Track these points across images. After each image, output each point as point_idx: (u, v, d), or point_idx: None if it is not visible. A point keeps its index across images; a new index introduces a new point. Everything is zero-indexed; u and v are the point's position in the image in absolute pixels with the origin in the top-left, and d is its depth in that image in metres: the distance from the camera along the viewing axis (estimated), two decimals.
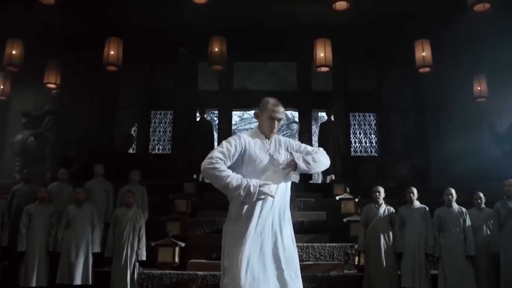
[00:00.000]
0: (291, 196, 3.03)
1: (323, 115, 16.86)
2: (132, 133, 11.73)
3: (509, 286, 5.91)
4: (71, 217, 6.58)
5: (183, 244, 6.94)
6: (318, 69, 8.85)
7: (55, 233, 6.58)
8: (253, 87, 12.69)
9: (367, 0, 9.47)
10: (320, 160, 3.01)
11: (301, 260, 6.67)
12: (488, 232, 6.28)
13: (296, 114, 16.03)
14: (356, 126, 11.71)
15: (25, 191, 7.32)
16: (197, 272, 6.38)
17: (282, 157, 2.97)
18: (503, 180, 6.45)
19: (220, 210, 8.17)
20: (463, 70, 10.11)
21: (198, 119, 10.91)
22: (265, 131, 2.96)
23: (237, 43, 9.60)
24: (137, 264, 6.40)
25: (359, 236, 6.47)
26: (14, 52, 8.49)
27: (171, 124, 11.59)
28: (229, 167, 2.82)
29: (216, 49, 8.76)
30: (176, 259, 6.74)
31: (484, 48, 9.90)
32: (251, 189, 2.75)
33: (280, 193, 2.96)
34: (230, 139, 2.86)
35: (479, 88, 9.97)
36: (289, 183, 3.04)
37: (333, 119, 10.48)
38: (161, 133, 11.67)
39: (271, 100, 2.96)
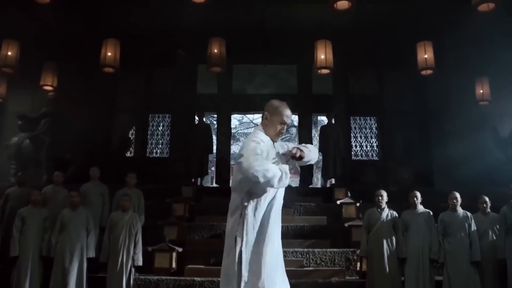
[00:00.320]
0: (290, 200, 2.88)
1: (322, 119, 16.74)
2: (130, 136, 11.58)
3: None
4: (66, 221, 6.40)
5: (180, 249, 6.78)
6: (319, 71, 8.72)
7: (48, 237, 6.40)
8: (253, 91, 12.55)
9: (368, 2, 9.35)
10: (308, 147, 2.93)
11: (301, 266, 6.62)
12: (494, 237, 6.13)
13: (294, 118, 15.88)
14: (356, 130, 11.58)
15: (19, 194, 7.18)
16: (195, 278, 6.25)
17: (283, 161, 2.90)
18: (508, 184, 6.32)
19: (218, 214, 8.03)
20: (466, 73, 9.98)
21: (196, 122, 10.75)
22: (271, 134, 2.87)
23: (236, 45, 9.52)
24: (133, 269, 6.25)
25: (361, 241, 6.33)
26: (9, 53, 8.39)
27: (169, 127, 11.45)
28: None
29: (215, 51, 8.64)
30: (173, 265, 6.59)
31: (486, 51, 9.79)
32: (286, 175, 2.70)
33: (281, 195, 2.87)
34: (255, 143, 2.73)
35: (481, 91, 9.87)
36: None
37: (333, 122, 10.31)
38: (159, 137, 11.54)
39: (284, 104, 2.90)
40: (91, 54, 9.01)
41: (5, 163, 10.19)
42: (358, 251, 6.55)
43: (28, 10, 9.07)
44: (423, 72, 8.72)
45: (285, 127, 2.90)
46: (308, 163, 2.97)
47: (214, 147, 11.09)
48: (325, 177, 10.18)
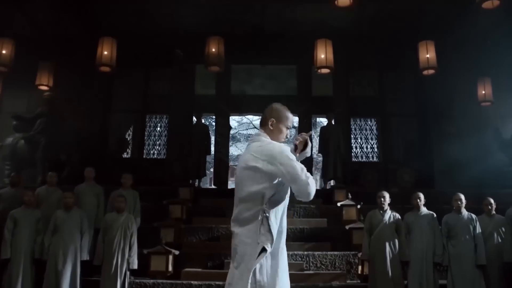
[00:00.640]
0: (290, 202, 2.73)
1: (321, 120, 16.62)
2: (127, 137, 11.43)
3: None
4: (59, 222, 6.23)
5: (177, 252, 6.61)
6: (319, 70, 8.59)
7: (41, 239, 6.24)
8: (252, 92, 12.44)
9: (368, 2, 9.24)
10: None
11: (301, 269, 6.44)
12: (500, 240, 5.98)
13: (294, 119, 15.75)
14: (357, 131, 11.45)
15: (12, 195, 6.99)
16: (192, 282, 6.09)
17: None
18: (511, 186, 6.15)
19: (216, 216, 7.93)
20: (467, 74, 9.90)
21: (194, 122, 10.62)
22: (277, 140, 2.72)
23: (235, 45, 9.43)
24: (128, 273, 6.09)
25: (363, 244, 6.16)
26: (4, 51, 8.23)
27: (167, 128, 11.30)
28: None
29: (213, 50, 8.50)
30: (170, 268, 6.42)
31: (488, 51, 9.70)
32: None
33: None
34: (286, 150, 2.59)
35: (483, 92, 9.78)
36: None
37: (333, 123, 10.16)
38: (156, 138, 11.39)
39: (286, 108, 2.79)
40: (88, 53, 8.87)
41: None
42: (359, 254, 6.38)
43: (23, 9, 8.96)
44: (425, 72, 8.59)
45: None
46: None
47: (212, 148, 10.93)
48: (325, 178, 10.02)
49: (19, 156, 9.86)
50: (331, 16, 9.60)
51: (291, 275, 2.68)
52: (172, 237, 7.07)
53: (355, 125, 11.54)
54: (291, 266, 6.20)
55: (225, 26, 9.68)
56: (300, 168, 2.47)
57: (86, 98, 10.36)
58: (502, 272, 5.89)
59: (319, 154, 10.94)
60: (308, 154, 2.76)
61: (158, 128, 11.52)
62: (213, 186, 11.05)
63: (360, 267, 6.40)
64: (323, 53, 8.41)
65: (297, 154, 2.68)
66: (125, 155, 11.26)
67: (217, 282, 5.98)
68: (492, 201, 6.16)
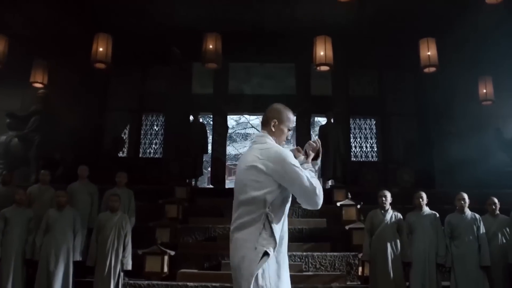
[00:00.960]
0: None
1: (319, 120, 16.48)
2: (123, 136, 11.27)
3: None
4: (51, 222, 6.06)
5: (172, 253, 6.45)
6: (318, 68, 8.44)
7: (33, 239, 6.07)
8: (250, 91, 12.29)
9: (368, 1, 9.12)
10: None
11: (300, 270, 6.28)
12: (504, 241, 5.83)
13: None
14: (356, 131, 11.32)
15: (3, 193, 6.83)
16: (188, 283, 5.93)
17: None
18: None
19: (213, 216, 7.78)
20: (468, 72, 9.80)
21: (191, 121, 10.47)
22: (279, 140, 2.66)
23: (233, 43, 9.28)
24: (121, 274, 5.94)
25: (363, 245, 6.01)
26: None
27: (163, 127, 11.14)
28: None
29: (211, 46, 8.34)
30: (165, 269, 6.26)
31: (489, 51, 9.60)
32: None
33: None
34: (291, 158, 2.50)
35: (484, 91, 9.70)
36: None
37: (332, 122, 10.01)
38: (153, 136, 11.23)
39: (288, 109, 2.73)
40: (84, 51, 8.69)
41: None
42: (359, 255, 6.24)
43: (18, 6, 8.80)
44: (426, 70, 8.46)
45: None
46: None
47: (210, 147, 10.76)
48: (324, 178, 9.86)
49: (12, 154, 9.71)
50: (331, 14, 9.50)
51: (289, 277, 2.57)
52: (167, 237, 6.92)
53: (354, 124, 11.42)
54: (289, 267, 6.04)
55: (223, 23, 9.52)
56: (306, 176, 2.41)
57: (82, 96, 10.20)
58: (506, 274, 5.73)
59: None
60: (319, 164, 2.68)
61: (155, 127, 11.35)
62: (210, 186, 10.86)
63: (360, 268, 6.26)
64: (323, 50, 8.25)
65: (309, 162, 2.59)
66: (121, 154, 11.11)
67: (214, 284, 5.82)
68: (496, 200, 6.01)
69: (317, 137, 2.68)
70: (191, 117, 10.60)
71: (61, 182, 7.53)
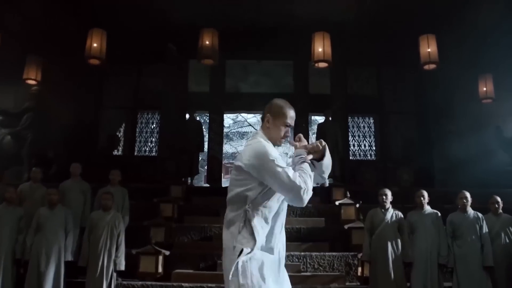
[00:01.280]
0: None
1: (316, 118, 16.34)
2: (118, 134, 11.10)
3: None
4: (42, 220, 5.90)
5: (167, 252, 6.30)
6: (316, 64, 8.30)
7: (23, 238, 5.90)
8: (247, 89, 12.15)
9: None
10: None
11: (298, 271, 6.12)
12: (507, 240, 5.70)
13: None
14: (355, 129, 11.18)
15: None
16: (183, 284, 5.78)
17: None
18: None
19: (209, 215, 7.62)
20: (468, 70, 9.69)
21: (187, 118, 10.32)
22: (274, 138, 2.52)
23: (230, 39, 9.16)
24: (114, 274, 5.78)
25: (363, 244, 5.87)
26: None
27: (159, 125, 10.97)
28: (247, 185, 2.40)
29: (207, 42, 8.19)
30: (160, 269, 6.12)
31: (489, 49, 9.49)
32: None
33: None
34: (270, 154, 2.38)
35: (485, 89, 9.61)
36: None
37: (331, 120, 9.86)
38: (148, 134, 11.06)
39: (287, 104, 2.55)
40: (78, 47, 8.53)
41: None
42: (359, 255, 6.10)
43: (11, 1, 8.63)
44: (426, 67, 8.33)
45: (289, 129, 2.56)
46: (324, 175, 2.51)
47: (206, 145, 10.61)
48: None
49: (5, 152, 9.58)
50: (329, 10, 9.35)
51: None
52: (162, 237, 6.77)
53: (352, 122, 11.28)
54: (287, 267, 5.84)
55: (221, 20, 9.37)
56: (285, 172, 2.28)
57: (76, 93, 10.04)
58: (510, 274, 5.61)
59: None
60: (325, 164, 2.45)
61: (151, 125, 11.19)
62: (206, 184, 10.71)
63: (360, 269, 6.12)
64: (321, 47, 8.11)
65: (302, 154, 2.43)
66: (116, 152, 10.94)
67: (209, 284, 5.68)
68: (498, 199, 5.88)
69: (321, 139, 2.46)
70: (187, 115, 10.44)
71: (55, 180, 7.37)
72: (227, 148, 18.79)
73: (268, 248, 2.38)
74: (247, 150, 2.43)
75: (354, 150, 11.05)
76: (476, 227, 5.61)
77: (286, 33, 10.07)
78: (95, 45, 8.12)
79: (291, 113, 2.52)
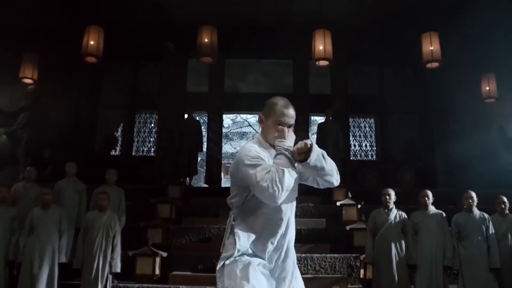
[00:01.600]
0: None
1: (315, 119, 16.22)
2: (116, 134, 10.95)
3: None
4: (36, 221, 5.74)
5: (165, 254, 6.17)
6: (317, 62, 8.14)
7: (16, 240, 5.75)
8: (246, 89, 12.01)
9: None
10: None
11: None
12: None
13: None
14: (355, 129, 11.05)
15: None
16: (180, 286, 5.70)
17: None
18: None
19: (208, 216, 7.48)
20: (471, 69, 9.57)
21: (186, 118, 10.19)
22: (270, 139, 2.36)
23: (229, 38, 9.05)
24: (110, 276, 5.63)
25: (366, 246, 5.72)
26: None
27: (157, 125, 10.81)
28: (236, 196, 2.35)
29: (206, 40, 8.03)
30: (157, 271, 5.98)
31: (492, 48, 9.38)
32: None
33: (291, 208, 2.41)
34: (248, 156, 2.25)
35: (487, 88, 9.49)
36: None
37: (331, 119, 9.71)
38: (146, 134, 10.90)
39: (280, 101, 2.37)
40: (74, 46, 8.40)
41: None
42: (361, 257, 5.97)
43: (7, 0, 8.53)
44: (429, 65, 8.19)
45: (288, 129, 2.34)
46: (326, 179, 2.34)
47: (204, 145, 10.46)
48: None
49: (0, 152, 9.40)
50: (330, 8, 9.22)
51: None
52: (159, 238, 6.64)
53: (353, 122, 11.15)
54: None
55: (219, 18, 9.24)
56: (255, 174, 2.15)
57: (73, 93, 9.90)
58: None
59: None
60: (313, 163, 2.23)
61: (149, 125, 11.03)
62: (205, 185, 10.54)
63: (362, 271, 5.99)
64: (322, 44, 7.96)
65: (297, 163, 2.26)
66: (113, 152, 10.79)
67: (207, 287, 5.51)
68: (505, 199, 5.75)
69: (308, 139, 2.25)
70: (186, 115, 10.30)
71: (50, 180, 7.21)
72: (227, 148, 18.67)
73: (256, 249, 2.29)
74: (237, 154, 2.36)
75: (355, 150, 10.91)
76: (482, 228, 5.48)
77: (286, 32, 9.96)
78: (91, 42, 7.96)
79: (284, 111, 2.33)
